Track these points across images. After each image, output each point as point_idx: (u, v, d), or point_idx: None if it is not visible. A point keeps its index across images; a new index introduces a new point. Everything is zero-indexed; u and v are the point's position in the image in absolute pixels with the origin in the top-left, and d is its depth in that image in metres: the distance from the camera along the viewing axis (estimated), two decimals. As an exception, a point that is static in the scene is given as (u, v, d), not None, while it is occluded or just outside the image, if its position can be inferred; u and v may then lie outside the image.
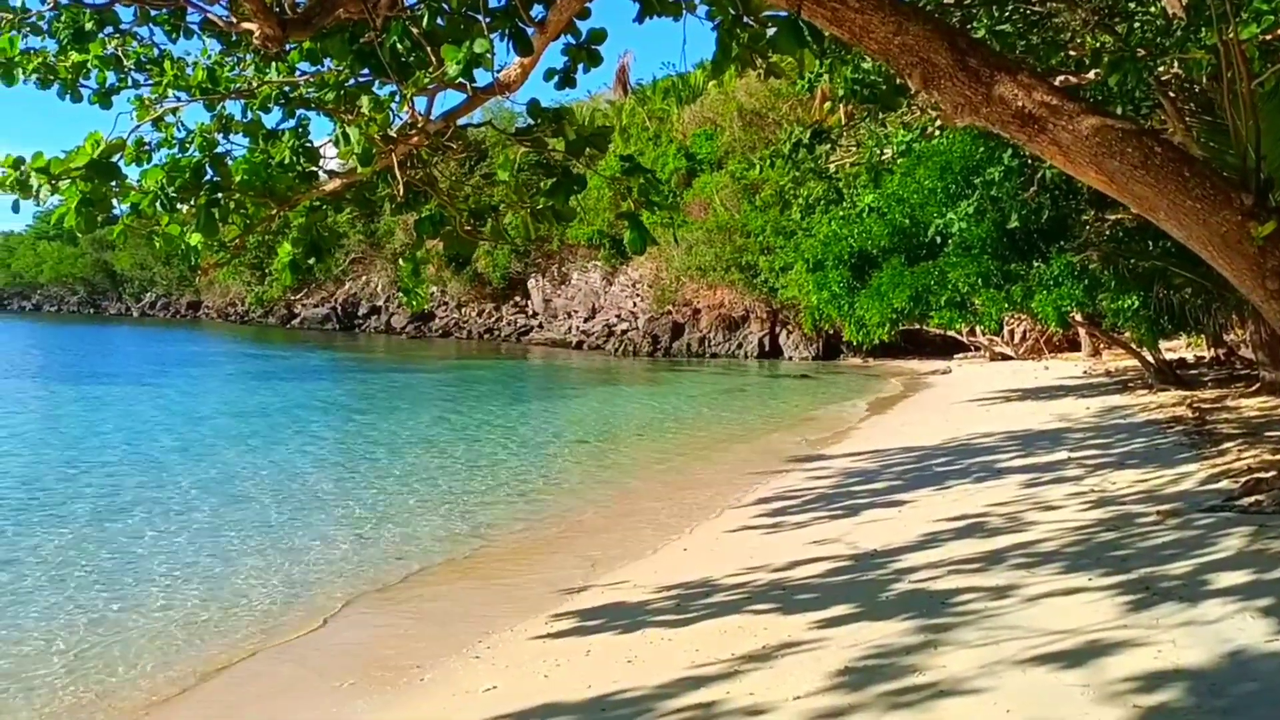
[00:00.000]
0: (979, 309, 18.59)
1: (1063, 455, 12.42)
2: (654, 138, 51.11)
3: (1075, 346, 32.28)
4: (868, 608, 6.62)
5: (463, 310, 61.08)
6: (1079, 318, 20.77)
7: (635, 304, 51.02)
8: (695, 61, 47.50)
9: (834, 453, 15.48)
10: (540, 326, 56.97)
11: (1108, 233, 17.47)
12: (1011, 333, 33.17)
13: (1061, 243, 17.27)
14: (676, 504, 12.09)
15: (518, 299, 59.89)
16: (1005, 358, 33.32)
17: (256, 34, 4.68)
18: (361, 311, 66.79)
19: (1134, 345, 20.10)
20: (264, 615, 8.00)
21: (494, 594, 8.49)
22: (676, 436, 18.88)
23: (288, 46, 5.62)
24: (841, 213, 21.77)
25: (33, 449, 16.63)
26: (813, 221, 24.40)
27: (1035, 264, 17.50)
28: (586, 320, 53.53)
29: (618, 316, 51.58)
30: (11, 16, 6.71)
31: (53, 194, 6.15)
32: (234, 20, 5.26)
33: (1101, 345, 29.19)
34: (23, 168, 6.20)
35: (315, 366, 37.83)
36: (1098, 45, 10.90)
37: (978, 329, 30.91)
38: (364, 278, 66.81)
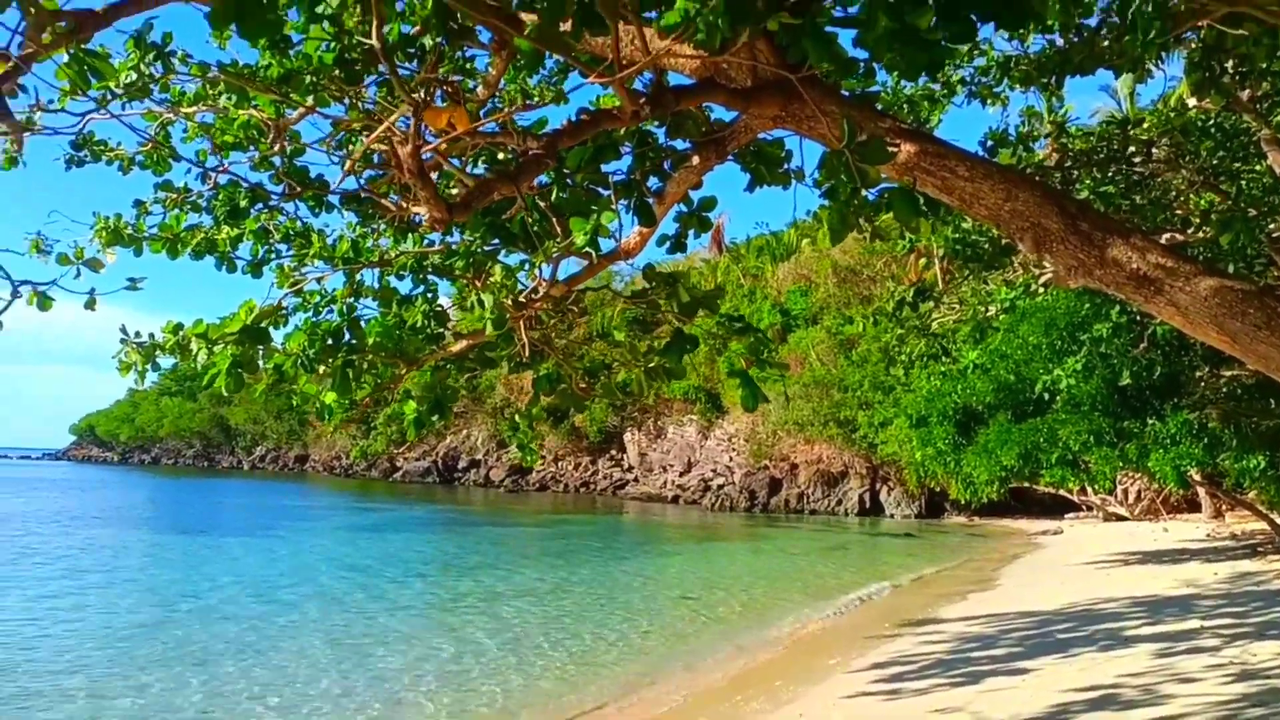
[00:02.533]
0: (1091, 467, 18.13)
1: (1194, 624, 11.83)
2: (749, 294, 52.08)
3: (1195, 507, 30.97)
4: (1001, 779, 6.37)
5: (560, 464, 61.73)
6: (1198, 477, 20.05)
7: (731, 458, 50.89)
8: (788, 220, 48.72)
9: (948, 616, 15.00)
10: (636, 480, 57.10)
11: (1225, 389, 17.05)
12: (1125, 492, 32.04)
13: (1176, 399, 16.89)
14: (787, 667, 11.83)
15: (614, 452, 60.36)
16: (1120, 518, 32.09)
17: (426, 217, 5.12)
18: (461, 465, 68.00)
19: (1261, 507, 19.24)
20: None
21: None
22: (780, 596, 18.54)
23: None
24: (943, 368, 21.75)
25: (143, 595, 17.18)
26: (914, 377, 24.37)
27: (1150, 421, 17.10)
28: (682, 474, 53.50)
29: (714, 471, 51.44)
30: (176, 196, 7.43)
31: (208, 358, 6.67)
32: (404, 205, 5.74)
33: (1224, 506, 27.97)
34: (181, 333, 6.77)
35: (418, 520, 38.41)
36: (1205, 205, 11.00)
37: (1090, 488, 29.96)
38: (464, 431, 68.28)
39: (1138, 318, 16.37)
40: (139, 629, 14.05)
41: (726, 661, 12.51)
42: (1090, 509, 34.52)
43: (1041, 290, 16.21)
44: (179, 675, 11.14)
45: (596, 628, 14.73)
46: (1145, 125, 10.93)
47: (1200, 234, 11.41)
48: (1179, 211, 11.88)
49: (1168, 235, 11.33)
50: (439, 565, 23.91)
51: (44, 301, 6.28)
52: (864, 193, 5.70)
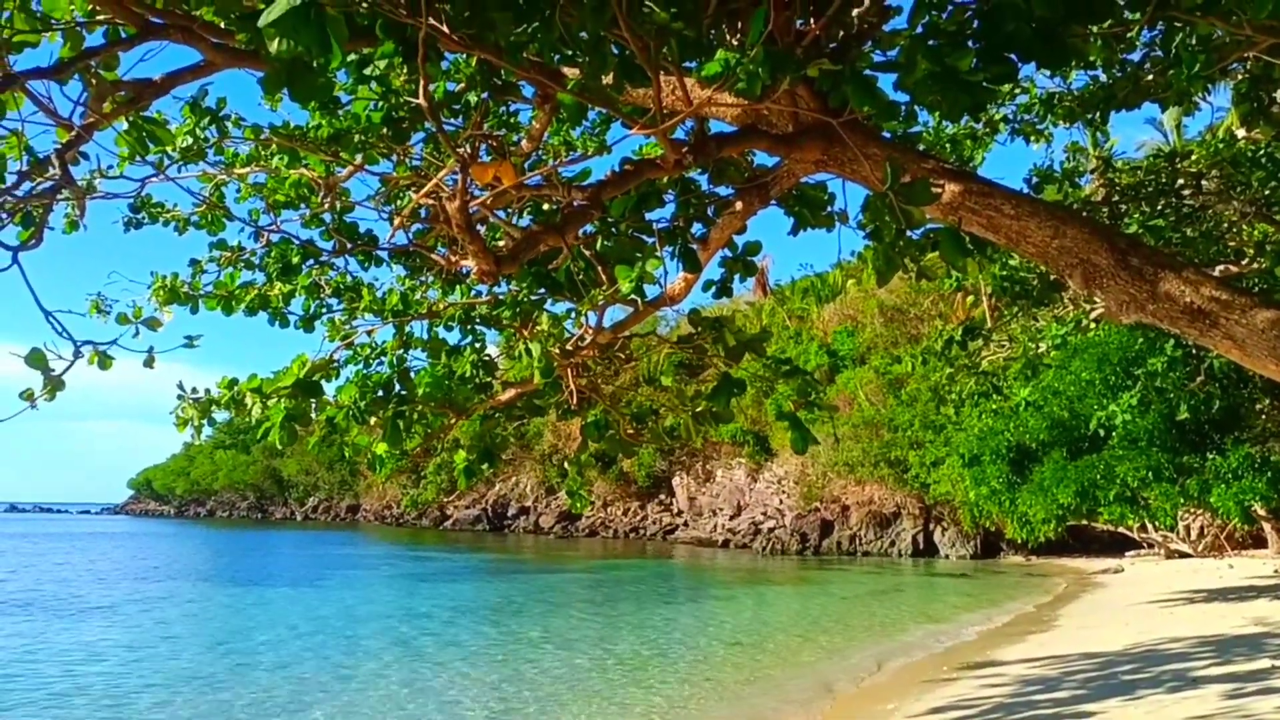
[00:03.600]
0: (1151, 504, 17.75)
1: (1265, 663, 11.46)
2: (795, 336, 51.93)
3: (1261, 543, 30.08)
4: (1070, 829, 6.19)
5: (608, 509, 61.61)
6: (1263, 512, 19.53)
7: (781, 501, 50.46)
8: (832, 262, 48.69)
9: (1007, 658, 14.67)
10: (685, 525, 56.79)
11: (1288, 421, 16.67)
12: (1188, 529, 31.22)
13: (1237, 433, 16.53)
14: (845, 715, 11.63)
15: (663, 497, 60.14)
16: (1182, 555, 31.26)
17: (474, 269, 5.21)
18: (511, 512, 68.16)
19: (1330, 541, 18.68)
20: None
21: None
22: (835, 640, 18.27)
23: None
24: (994, 406, 21.48)
25: (219, 644, 17.35)
26: (965, 415, 24.09)
27: (1210, 456, 16.73)
28: (732, 518, 53.11)
29: (764, 514, 51.01)
30: (231, 254, 7.62)
31: (262, 412, 6.79)
32: (452, 258, 5.85)
33: (1292, 541, 27.18)
34: (236, 388, 6.90)
35: (469, 568, 38.48)
36: (1259, 236, 10.83)
37: (1150, 525, 29.27)
38: (513, 479, 68.48)
39: (1193, 351, 16.09)
40: (218, 679, 14.19)
41: (779, 707, 12.33)
42: (1151, 546, 33.67)
43: (1093, 326, 16.00)
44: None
45: (647, 679, 14.61)
46: (1194, 157, 10.83)
47: (1255, 265, 11.22)
48: (1232, 243, 11.69)
49: (1221, 267, 11.15)
50: (498, 611, 23.96)
51: (104, 361, 6.46)
52: (909, 233, 5.72)
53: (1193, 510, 25.16)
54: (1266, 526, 27.33)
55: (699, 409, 7.35)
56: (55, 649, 16.83)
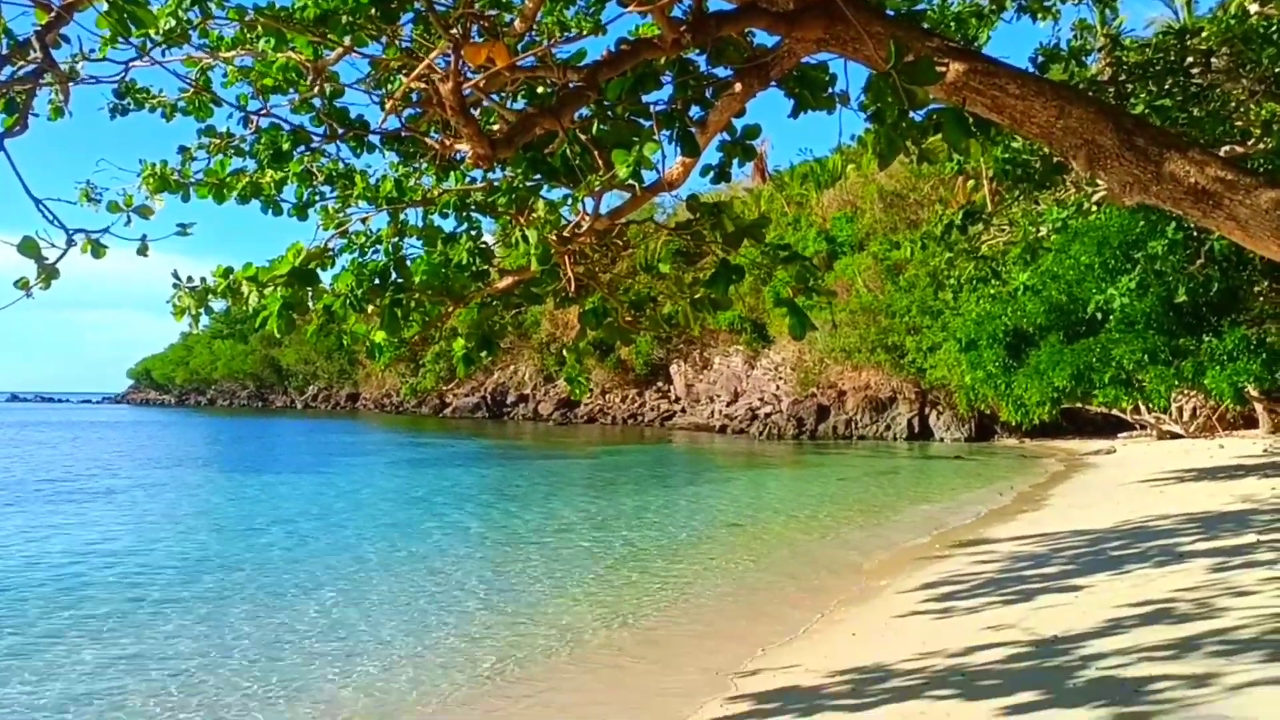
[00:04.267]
0: (1146, 386, 17.90)
1: (1251, 538, 11.76)
2: (793, 222, 51.52)
3: (1252, 423, 30.51)
4: (1056, 694, 6.44)
5: (607, 397, 62.16)
6: (1255, 393, 19.72)
7: (778, 387, 50.89)
8: (832, 146, 47.88)
9: (999, 536, 15.03)
10: (683, 411, 57.40)
11: (1285, 303, 16.68)
12: (1180, 410, 31.61)
13: (1234, 315, 16.56)
14: (840, 588, 11.98)
15: (660, 384, 60.62)
16: (1174, 436, 31.73)
17: (469, 154, 5.12)
18: (510, 400, 68.78)
19: (1321, 421, 18.91)
20: (431, 689, 8.29)
21: (665, 676, 8.56)
22: (831, 520, 18.67)
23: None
24: (993, 291, 21.46)
25: (225, 530, 17.73)
26: (962, 301, 24.09)
27: (1206, 338, 16.80)
28: (729, 404, 53.65)
29: (760, 400, 51.51)
30: (220, 141, 7.48)
31: (259, 299, 6.78)
32: (446, 143, 5.75)
33: (1282, 421, 27.53)
34: (231, 276, 6.88)
35: (470, 454, 39.05)
36: (1266, 115, 10.64)
37: (1143, 407, 29.59)
38: (512, 367, 68.91)
39: (1194, 233, 15.99)
40: (224, 562, 14.54)
41: (776, 583, 12.68)
42: (1144, 428, 34.16)
43: (1095, 209, 15.85)
44: (268, 604, 11.53)
45: (648, 555, 14.97)
46: (1204, 34, 10.55)
47: (1261, 145, 11.05)
48: (1238, 123, 11.49)
49: (1227, 148, 10.98)
50: (501, 495, 24.45)
51: (97, 249, 6.40)
52: (911, 115, 5.61)
53: (1186, 392, 25.42)
54: (1258, 407, 27.67)
55: (697, 296, 7.33)
56: (66, 535, 17.17)
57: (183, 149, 7.40)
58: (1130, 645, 7.46)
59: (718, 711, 7.14)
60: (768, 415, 49.70)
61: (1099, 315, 17.69)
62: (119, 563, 14.62)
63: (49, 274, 6.34)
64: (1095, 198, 14.57)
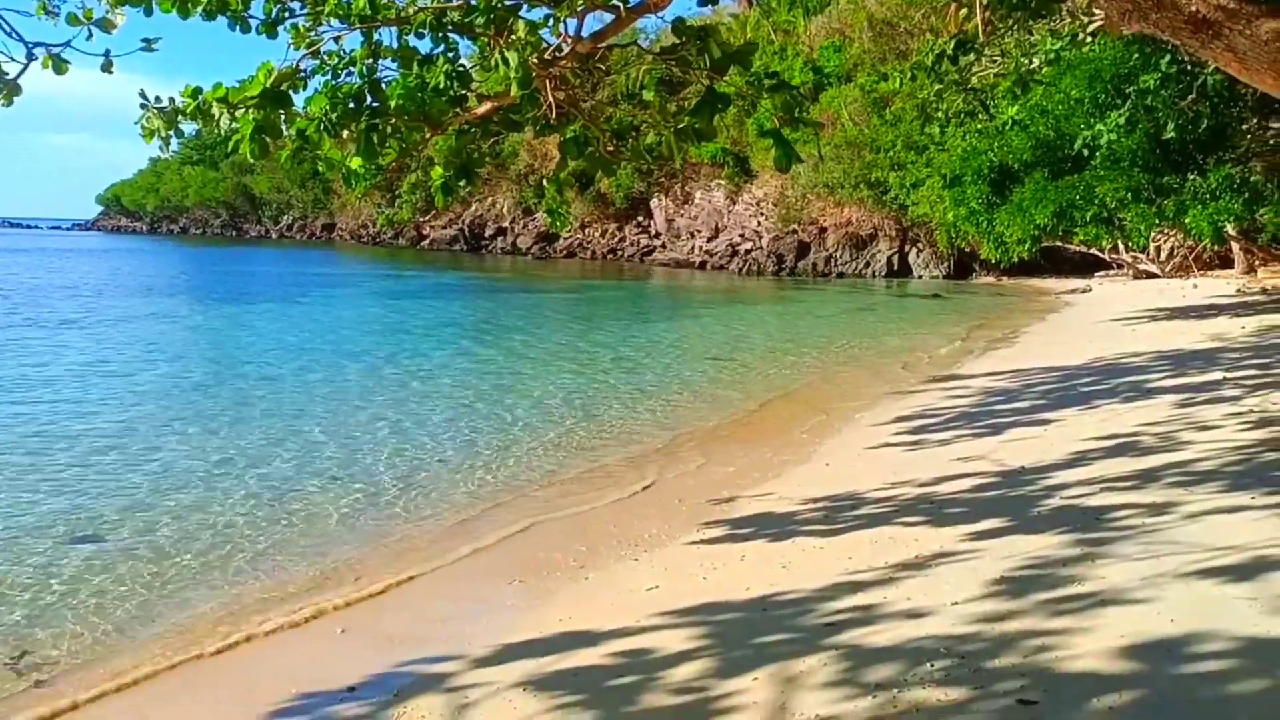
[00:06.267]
0: (1127, 225, 17.89)
1: (1218, 375, 12.01)
2: (780, 51, 49.97)
3: (1227, 263, 30.72)
4: (1020, 521, 6.68)
5: (586, 231, 61.62)
6: (1234, 232, 19.77)
7: (759, 223, 50.57)
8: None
9: (973, 372, 15.30)
10: (663, 247, 57.11)
11: (1272, 141, 16.50)
12: (1158, 249, 31.73)
13: (1220, 153, 16.40)
14: (814, 420, 12.22)
15: (640, 219, 60.07)
16: (1150, 275, 31.97)
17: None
18: (488, 232, 68.14)
19: (1296, 261, 19.05)
20: (417, 518, 8.52)
21: (641, 504, 8.81)
22: (808, 355, 18.91)
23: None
24: (979, 126, 21.12)
25: (198, 360, 17.78)
26: (949, 136, 23.71)
27: (1190, 176, 16.68)
28: (710, 240, 53.39)
29: (741, 236, 51.25)
30: (183, -49, 7.06)
31: (231, 122, 6.55)
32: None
33: (1257, 262, 27.71)
34: (201, 97, 6.62)
35: (449, 286, 38.96)
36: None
37: (1121, 246, 29.67)
38: (490, 199, 67.93)
39: (1188, 67, 15.63)
40: (200, 388, 14.63)
41: (752, 416, 12.92)
42: (1120, 267, 34.36)
43: (1089, 40, 15.41)
44: (243, 429, 11.67)
45: (627, 388, 15.17)
46: None
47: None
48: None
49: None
50: (480, 326, 24.60)
51: (59, 65, 6.14)
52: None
53: (1166, 231, 25.45)
54: (1235, 247, 27.81)
55: (681, 125, 7.14)
56: (51, 361, 17.15)
57: (144, -42, 7.00)
58: (1094, 476, 7.69)
59: (694, 536, 7.38)
60: (748, 251, 49.55)
61: (1085, 152, 17.47)
62: (109, 384, 14.67)
63: (11, 90, 6.08)
64: (1091, 28, 14.15)
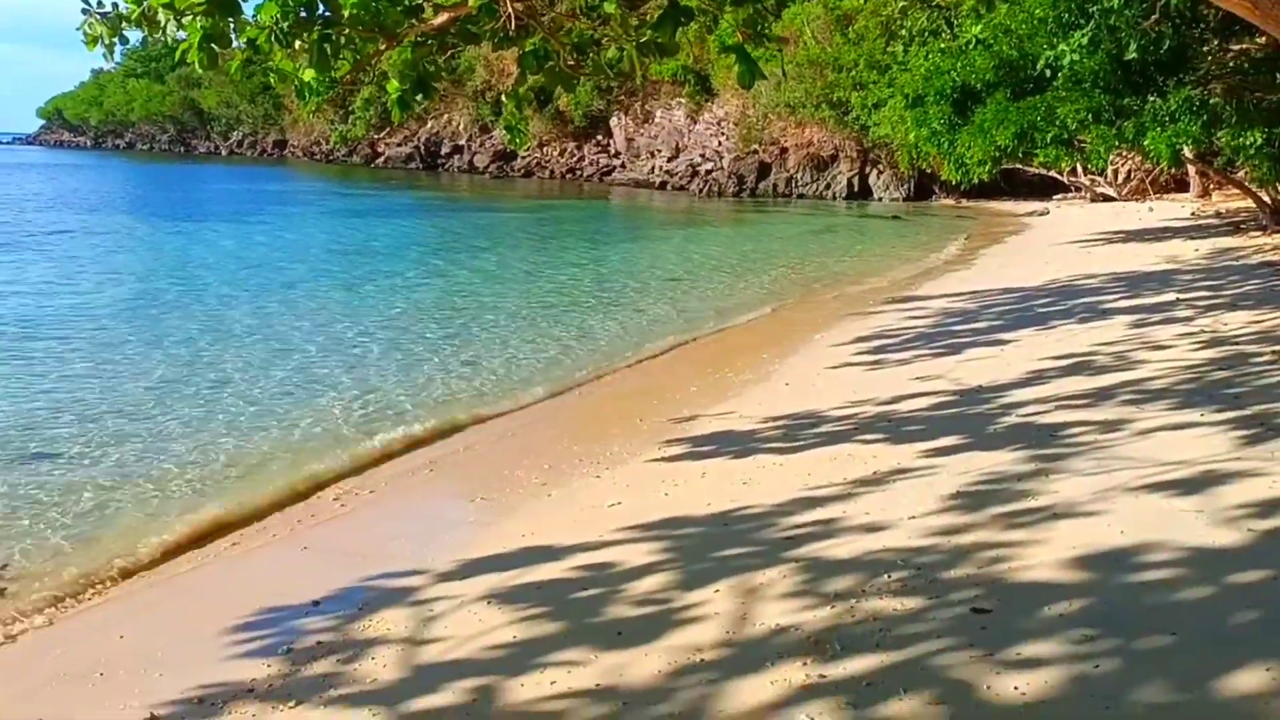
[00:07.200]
0: (1087, 147, 17.93)
1: (1171, 297, 12.22)
2: (742, -34, 48.93)
3: (1183, 187, 31.03)
4: (976, 439, 6.80)
5: (544, 150, 60.65)
6: (1190, 155, 19.92)
7: (720, 143, 50.10)
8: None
9: (931, 293, 15.41)
10: (623, 166, 56.46)
11: (1232, 64, 16.53)
12: (1115, 172, 31.93)
13: (1181, 75, 16.39)
14: (774, 341, 12.27)
15: (600, 138, 59.22)
16: (1107, 198, 32.22)
17: None
18: (444, 151, 66.88)
19: (1250, 185, 19.28)
20: (383, 437, 8.50)
21: (603, 423, 8.84)
22: (768, 276, 18.94)
23: None
24: (943, 45, 20.91)
25: (153, 278, 17.42)
26: (911, 56, 23.49)
27: (1151, 98, 16.68)
28: (670, 160, 52.84)
29: (702, 156, 50.78)
30: None
31: (177, 30, 6.31)
32: None
33: (1212, 185, 28.02)
34: (145, 3, 6.37)
35: (405, 205, 38.38)
36: None
37: (1079, 168, 29.81)
38: (445, 116, 66.52)
39: (1152, -14, 15.52)
40: (155, 307, 14.38)
41: (712, 337, 12.97)
42: (1078, 190, 34.57)
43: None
44: (198, 349, 11.51)
45: (590, 309, 15.14)
46: None
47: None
48: None
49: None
50: (439, 246, 24.36)
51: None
52: None
53: (1124, 154, 25.57)
54: (1191, 170, 28.05)
55: (643, 39, 7.00)
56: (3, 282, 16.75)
57: None
58: (1050, 395, 7.83)
59: (655, 454, 7.42)
60: (709, 172, 49.16)
61: (1048, 72, 17.36)
62: (62, 305, 14.37)
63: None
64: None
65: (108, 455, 7.82)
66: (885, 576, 4.52)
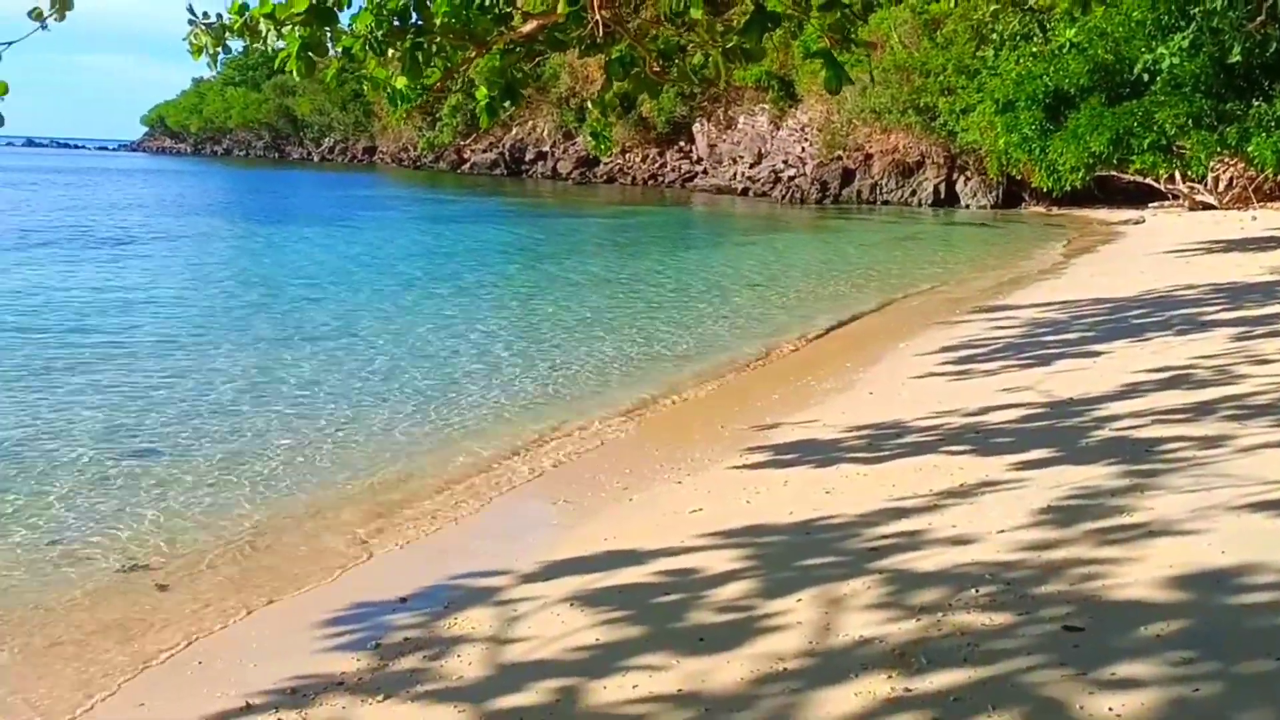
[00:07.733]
0: (1186, 153, 17.38)
1: (1276, 309, 11.74)
2: (829, -29, 48.58)
3: (1288, 195, 29.83)
4: (1068, 452, 6.62)
5: (627, 156, 60.95)
6: (1299, 162, 19.11)
7: (803, 149, 49.75)
8: (876, -115, 44.44)
9: (1020, 302, 15.08)
10: (705, 173, 56.44)
11: (1344, 67, 15.87)
12: (1216, 179, 30.82)
13: (1288, 79, 15.81)
14: (857, 350, 12.15)
15: (682, 144, 59.31)
16: (1207, 207, 31.12)
17: None
18: (528, 157, 67.64)
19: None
20: (472, 441, 8.63)
21: (685, 429, 8.85)
22: (852, 284, 18.74)
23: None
24: (1035, 49, 20.48)
25: (257, 279, 17.98)
26: (1002, 60, 23.05)
27: (1256, 103, 16.12)
28: (752, 166, 52.66)
29: (785, 162, 50.49)
30: None
31: (277, 39, 6.52)
32: None
33: (1320, 193, 26.90)
34: (248, 14, 6.59)
35: (492, 211, 38.91)
36: None
37: (1178, 175, 28.87)
38: (530, 123, 67.30)
39: (1259, -13, 14.99)
40: (252, 308, 14.85)
41: (795, 344, 12.87)
42: (1176, 198, 33.46)
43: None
44: (296, 351, 11.83)
45: (669, 316, 15.17)
46: None
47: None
48: None
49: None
50: (524, 251, 24.75)
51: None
52: None
53: (1225, 160, 24.71)
54: (1297, 178, 26.94)
55: (729, 45, 7.01)
56: (110, 282, 17.44)
57: None
58: (1145, 408, 7.59)
59: (736, 461, 7.40)
60: (791, 178, 48.84)
61: (1145, 76, 16.92)
62: (167, 304, 14.91)
63: (63, 4, 6.07)
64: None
65: (202, 452, 8.08)
66: (973, 591, 4.44)
